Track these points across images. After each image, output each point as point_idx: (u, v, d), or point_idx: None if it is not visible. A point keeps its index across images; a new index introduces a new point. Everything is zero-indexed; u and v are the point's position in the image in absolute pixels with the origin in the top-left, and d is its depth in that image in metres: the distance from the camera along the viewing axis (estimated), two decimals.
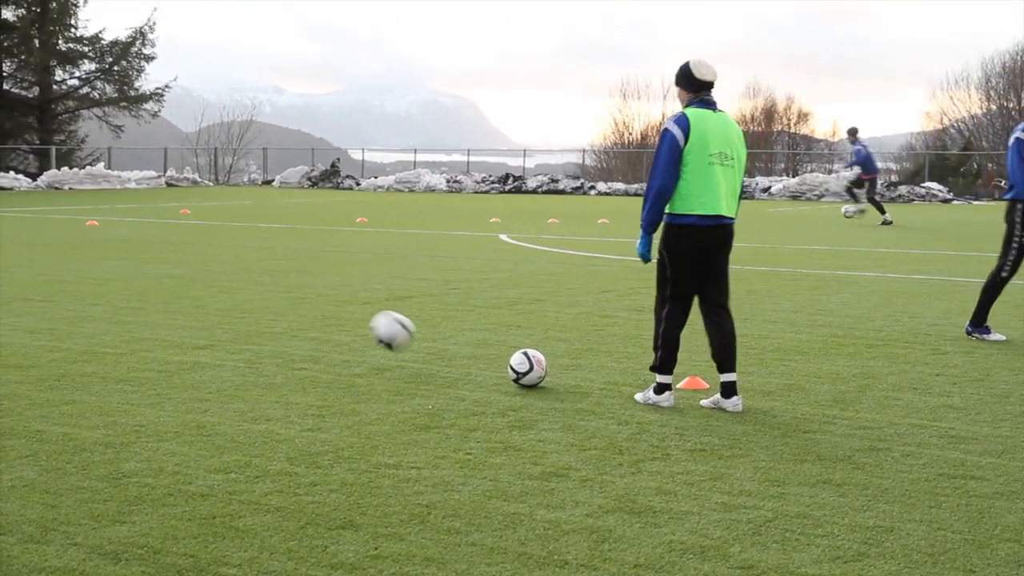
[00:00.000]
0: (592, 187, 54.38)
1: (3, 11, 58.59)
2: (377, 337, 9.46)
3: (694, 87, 8.13)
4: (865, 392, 8.84)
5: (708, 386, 8.73)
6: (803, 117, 74.04)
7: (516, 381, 8.83)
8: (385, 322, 9.45)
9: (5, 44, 59.24)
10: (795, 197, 47.59)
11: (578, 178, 57.82)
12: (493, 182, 55.49)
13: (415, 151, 66.81)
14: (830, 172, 53.95)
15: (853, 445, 7.26)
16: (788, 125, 70.76)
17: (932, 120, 65.54)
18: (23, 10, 58.76)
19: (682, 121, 7.98)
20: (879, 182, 32.92)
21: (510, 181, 55.21)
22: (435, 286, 15.14)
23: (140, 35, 61.04)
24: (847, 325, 12.08)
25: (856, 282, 16.22)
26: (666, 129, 8.06)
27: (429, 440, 7.26)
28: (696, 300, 8.35)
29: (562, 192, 53.03)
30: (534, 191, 53.46)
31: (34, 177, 50.57)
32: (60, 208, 34.35)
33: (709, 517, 5.81)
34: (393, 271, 16.98)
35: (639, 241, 8.39)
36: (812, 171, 54.62)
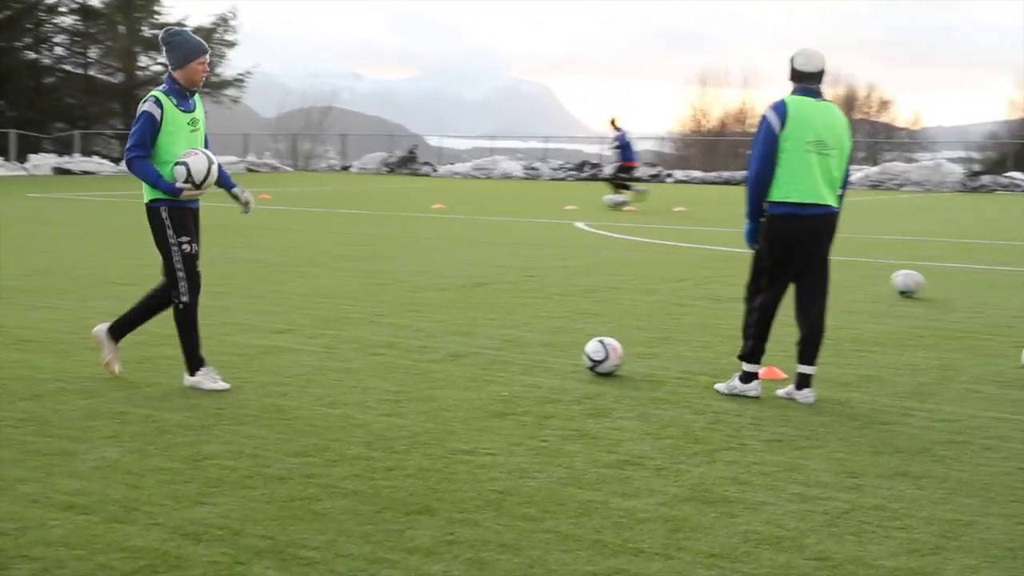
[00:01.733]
0: (669, 175, 54.13)
1: None
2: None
3: (796, 77, 8.14)
4: (945, 384, 8.75)
5: (786, 376, 8.68)
6: (884, 105, 73.51)
7: (592, 369, 8.83)
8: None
9: (91, 31, 59.92)
10: (875, 186, 47.13)
11: (656, 165, 57.53)
12: (570, 169, 55.40)
13: (492, 138, 66.92)
14: (910, 161, 53.33)
15: (932, 437, 7.19)
16: (869, 113, 70.11)
17: (1017, 109, 64.64)
18: None
19: (779, 108, 7.98)
20: (635, 171, 33.12)
21: (586, 169, 55.06)
22: (511, 273, 15.15)
23: (222, 22, 61.56)
24: (928, 316, 11.95)
25: (939, 273, 16.01)
26: (764, 116, 8.08)
27: (504, 427, 7.28)
28: (793, 289, 8.30)
29: (639, 179, 52.81)
30: (611, 179, 53.28)
31: (117, 162, 51.11)
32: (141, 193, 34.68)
33: (784, 508, 5.78)
34: (470, 257, 17.01)
35: (745, 228, 8.34)
36: (893, 160, 53.96)
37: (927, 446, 6.99)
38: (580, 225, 23.95)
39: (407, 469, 6.31)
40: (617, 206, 30.29)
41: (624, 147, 31.42)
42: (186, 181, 8.01)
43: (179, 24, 60.24)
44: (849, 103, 73.05)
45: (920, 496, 6.01)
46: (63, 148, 52.32)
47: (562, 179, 53.28)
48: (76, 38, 60.32)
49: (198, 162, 8.06)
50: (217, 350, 9.51)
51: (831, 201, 8.09)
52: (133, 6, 59.48)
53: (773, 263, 8.16)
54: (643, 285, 14.17)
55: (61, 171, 47.32)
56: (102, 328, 8.56)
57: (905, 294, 9.18)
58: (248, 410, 7.56)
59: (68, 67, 60.60)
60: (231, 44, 62.67)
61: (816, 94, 8.14)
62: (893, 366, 9.39)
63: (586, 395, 8.19)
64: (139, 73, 61.13)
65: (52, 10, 58.94)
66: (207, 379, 8.13)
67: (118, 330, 8.55)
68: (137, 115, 8.11)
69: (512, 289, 13.57)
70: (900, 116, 73.74)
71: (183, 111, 8.18)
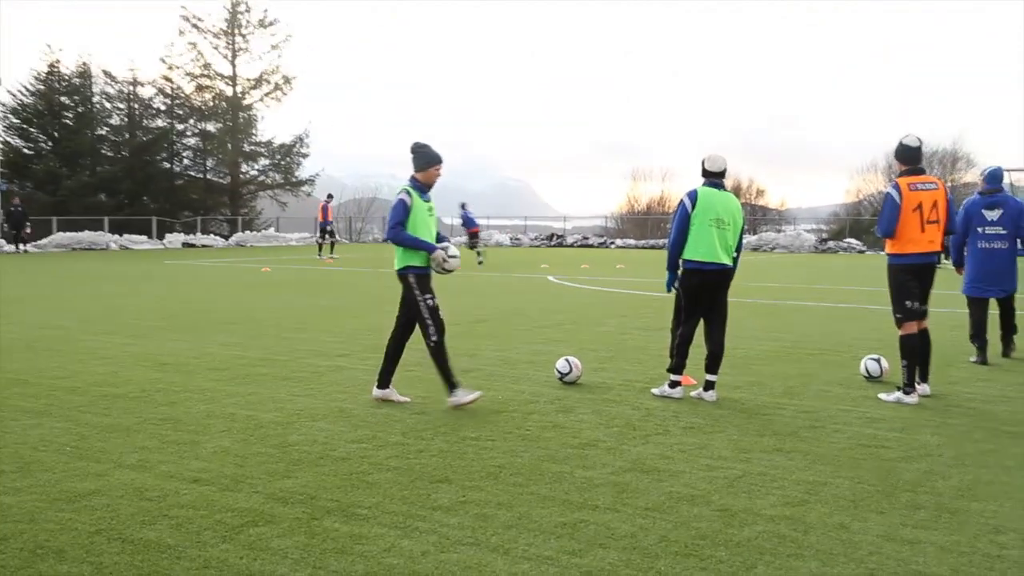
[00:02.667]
0: (612, 242, 54.17)
1: (208, 125, 59.49)
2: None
3: (705, 174, 8.21)
4: (806, 386, 8.74)
5: (695, 382, 8.66)
6: (760, 193, 73.71)
7: (561, 379, 8.81)
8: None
9: (208, 147, 60.09)
10: (755, 249, 47.18)
11: (602, 236, 57.64)
12: (543, 239, 55.43)
13: (488, 218, 66.80)
14: (778, 231, 53.41)
15: (798, 424, 7.19)
16: (749, 198, 70.28)
17: (851, 195, 64.91)
18: (221, 124, 59.61)
19: (692, 195, 8.12)
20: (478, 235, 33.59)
21: (554, 239, 55.11)
22: (503, 312, 15.13)
23: (299, 140, 61.62)
24: (792, 340, 11.96)
25: (799, 310, 16.05)
26: (681, 200, 8.14)
27: (500, 420, 7.25)
28: (703, 321, 8.29)
29: (591, 246, 52.85)
30: (571, 245, 53.30)
31: (226, 238, 51.08)
32: (244, 259, 34.66)
33: (696, 475, 5.76)
34: (473, 301, 16.99)
35: (666, 278, 8.28)
36: (767, 231, 54.09)
37: (795, 430, 6.98)
38: (551, 278, 23.94)
39: (432, 451, 6.29)
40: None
41: (466, 220, 33.09)
42: (443, 253, 7.87)
43: (269, 142, 60.45)
44: (736, 191, 73.28)
45: (791, 465, 6.00)
46: (189, 229, 52.28)
47: (538, 246, 53.26)
48: (198, 152, 60.44)
49: (454, 257, 8.01)
50: (297, 369, 9.48)
51: (726, 261, 8.12)
52: (237, 129, 59.64)
53: (687, 303, 8.17)
54: (596, 320, 14.16)
55: (188, 245, 47.22)
56: (375, 392, 8.06)
57: (870, 378, 8.86)
58: (319, 411, 7.53)
59: (192, 173, 60.67)
60: (305, 155, 62.73)
61: (719, 186, 8.20)
62: (770, 374, 9.38)
63: (557, 397, 8.17)
64: (241, 176, 61.19)
65: (181, 134, 59.12)
66: (463, 395, 7.70)
67: (383, 380, 8.08)
68: (394, 203, 7.81)
69: (503, 323, 13.54)
70: (771, 201, 73.74)
71: (424, 201, 7.84)
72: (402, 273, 7.97)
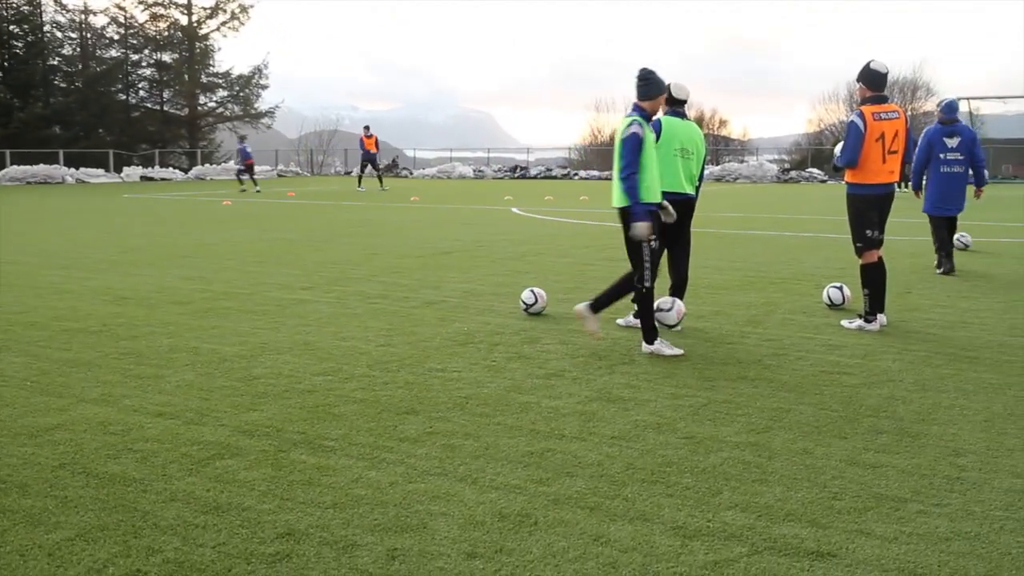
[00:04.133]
0: (576, 174, 54.01)
1: (164, 55, 58.31)
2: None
3: (670, 102, 7.98)
4: (769, 315, 8.80)
5: None
6: (723, 123, 73.63)
7: (526, 311, 8.81)
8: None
9: (165, 79, 58.96)
10: (718, 180, 47.21)
11: (566, 167, 57.46)
12: (506, 171, 55.18)
13: (451, 150, 66.30)
14: (741, 162, 53.46)
15: (762, 352, 7.24)
16: (712, 129, 70.17)
17: (812, 124, 64.97)
18: (177, 55, 58.44)
19: (656, 124, 7.80)
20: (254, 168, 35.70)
21: (518, 171, 54.86)
22: (467, 244, 15.08)
23: (258, 71, 60.62)
24: (755, 269, 12.02)
25: (761, 239, 16.13)
26: (633, 132, 7.10)
27: (466, 352, 7.24)
28: (667, 251, 8.25)
29: (555, 178, 52.68)
30: (535, 177, 53.10)
31: (186, 171, 50.35)
32: (204, 192, 34.24)
33: (662, 403, 5.80)
34: (437, 234, 16.91)
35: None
36: (730, 161, 54.05)
37: (759, 358, 7.03)
38: (515, 210, 23.86)
39: (398, 383, 6.27)
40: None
41: (246, 154, 34.75)
42: (647, 230, 7.15)
43: (227, 72, 59.39)
44: (699, 121, 73.16)
45: (755, 392, 6.05)
46: (147, 162, 51.45)
47: (501, 178, 53.01)
48: (154, 84, 59.28)
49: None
50: (260, 302, 9.41)
51: (690, 190, 8.09)
52: (194, 60, 58.51)
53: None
54: (560, 251, 14.15)
55: (146, 178, 46.49)
56: (582, 306, 7.52)
57: (832, 306, 8.88)
58: (284, 344, 7.48)
59: (149, 104, 59.57)
60: (264, 86, 61.79)
61: (682, 115, 8.12)
62: (733, 303, 9.43)
63: (522, 328, 8.16)
64: (199, 108, 60.19)
65: (136, 64, 57.94)
66: (664, 347, 7.18)
67: (596, 306, 7.49)
68: (625, 136, 7.04)
69: (467, 256, 13.50)
70: (734, 131, 73.75)
71: (650, 131, 7.23)
72: (623, 210, 7.26)
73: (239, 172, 35.90)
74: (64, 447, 4.90)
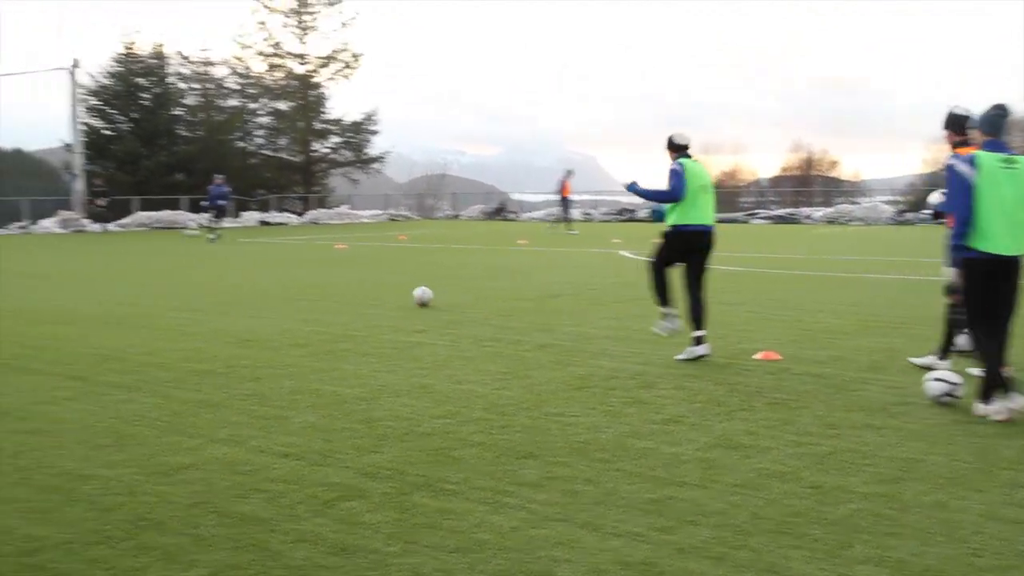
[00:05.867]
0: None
1: (280, 104, 60.16)
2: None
3: (678, 148, 8.93)
4: (891, 361, 8.55)
5: (781, 357, 8.54)
6: (832, 164, 72.28)
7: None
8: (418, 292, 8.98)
9: (281, 126, 60.80)
10: (830, 222, 46.32)
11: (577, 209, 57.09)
12: (613, 213, 55.08)
13: (556, 193, 66.55)
14: (854, 203, 52.30)
15: (887, 399, 7.03)
16: (822, 170, 68.97)
17: (928, 165, 63.33)
18: (292, 103, 60.25)
19: (681, 166, 8.71)
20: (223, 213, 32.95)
21: (624, 213, 54.72)
22: (577, 288, 15.07)
23: (368, 118, 62.00)
24: (873, 313, 11.70)
25: (876, 283, 15.72)
26: (673, 168, 8.72)
27: (582, 396, 7.22)
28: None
29: (662, 221, 52.34)
30: (643, 220, 52.88)
31: (300, 215, 51.68)
32: (319, 236, 35.02)
33: (785, 451, 5.68)
34: (546, 277, 16.94)
35: (635, 188, 9.14)
36: (842, 203, 52.95)
37: (883, 406, 6.83)
38: (623, 253, 23.78)
39: (515, 427, 6.28)
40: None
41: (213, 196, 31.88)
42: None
43: (339, 120, 60.92)
44: (808, 164, 72.01)
45: (882, 441, 5.87)
46: (264, 207, 53.01)
47: (608, 221, 52.93)
48: (270, 131, 61.15)
49: None
50: (376, 345, 9.54)
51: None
52: (308, 107, 60.20)
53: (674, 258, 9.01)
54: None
55: (264, 223, 47.88)
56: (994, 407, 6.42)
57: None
58: (401, 387, 7.57)
59: (265, 151, 61.43)
60: (375, 132, 63.01)
61: (690, 156, 8.92)
62: (853, 348, 9.19)
63: (637, 373, 8.10)
64: (312, 154, 61.79)
65: (253, 113, 59.89)
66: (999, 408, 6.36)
67: (987, 393, 6.45)
68: (953, 173, 6.52)
69: (578, 299, 13.49)
70: (845, 172, 72.38)
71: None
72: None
73: (211, 213, 32.54)
74: (196, 486, 5.03)
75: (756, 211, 50.52)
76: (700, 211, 8.74)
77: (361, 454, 5.63)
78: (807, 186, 65.54)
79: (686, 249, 8.83)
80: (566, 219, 36.33)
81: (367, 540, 4.26)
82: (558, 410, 6.75)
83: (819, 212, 49.00)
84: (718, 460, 5.49)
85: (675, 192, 8.65)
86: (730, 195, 59.48)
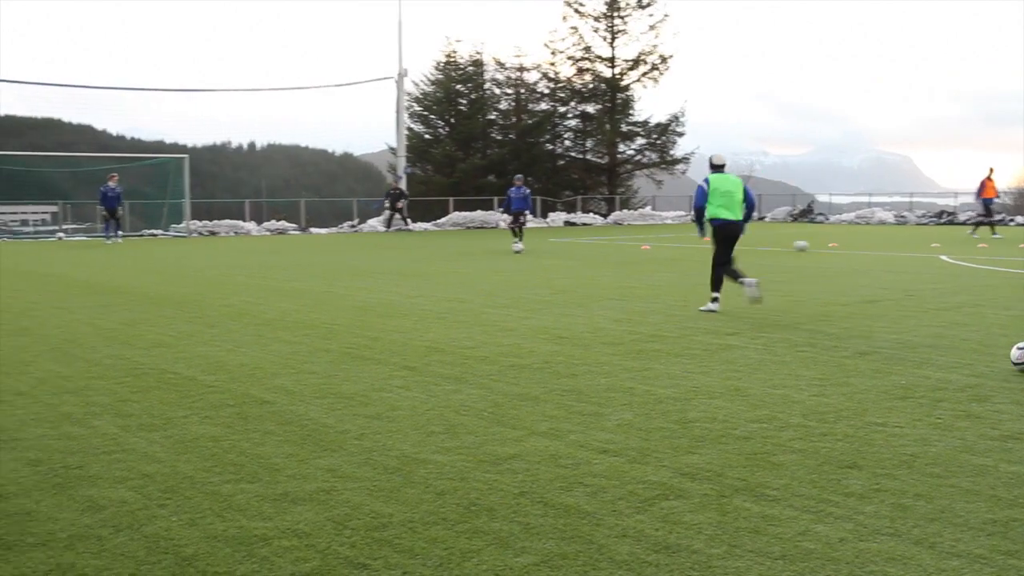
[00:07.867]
0: (1011, 219, 49.52)
1: (588, 107, 61.27)
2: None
3: (713, 167, 12.44)
4: None
5: None
6: None
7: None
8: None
9: (588, 128, 61.94)
10: None
11: (1000, 212, 52.81)
12: (931, 217, 51.78)
13: (868, 195, 63.41)
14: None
15: None
16: None
17: None
18: (600, 106, 61.18)
19: (706, 181, 12.29)
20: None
21: (944, 216, 51.28)
22: (894, 293, 14.31)
23: (675, 119, 61.79)
24: None
25: None
26: (700, 184, 12.35)
27: (906, 407, 6.86)
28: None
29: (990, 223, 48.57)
30: (964, 223, 49.34)
31: (605, 216, 52.46)
32: (622, 237, 35.40)
33: None
34: (862, 282, 16.21)
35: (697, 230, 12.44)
36: None
37: None
38: (944, 258, 22.32)
39: (836, 435, 6.07)
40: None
41: (510, 199, 28.14)
42: None
43: (645, 121, 61.24)
44: None
45: None
46: (569, 208, 54.27)
47: (925, 224, 49.84)
48: (578, 133, 62.46)
49: None
50: (688, 346, 9.52)
51: (738, 217, 12.26)
52: (615, 110, 60.91)
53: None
54: (1001, 303, 13.00)
55: (569, 223, 49.03)
56: None
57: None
58: (716, 389, 7.51)
59: (572, 153, 62.83)
60: (681, 134, 62.81)
61: (722, 171, 12.39)
62: None
63: (968, 385, 7.58)
64: (618, 156, 62.47)
65: (562, 116, 61.38)
66: None
67: None
68: None
69: (896, 305, 12.81)
70: None
71: None
72: None
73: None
74: (522, 476, 5.24)
75: None
76: (723, 209, 12.06)
77: (678, 454, 5.64)
78: None
79: (721, 237, 12.17)
80: (990, 222, 33.34)
81: (689, 540, 4.26)
82: (881, 420, 6.45)
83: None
84: None
85: (696, 203, 12.20)
86: None
